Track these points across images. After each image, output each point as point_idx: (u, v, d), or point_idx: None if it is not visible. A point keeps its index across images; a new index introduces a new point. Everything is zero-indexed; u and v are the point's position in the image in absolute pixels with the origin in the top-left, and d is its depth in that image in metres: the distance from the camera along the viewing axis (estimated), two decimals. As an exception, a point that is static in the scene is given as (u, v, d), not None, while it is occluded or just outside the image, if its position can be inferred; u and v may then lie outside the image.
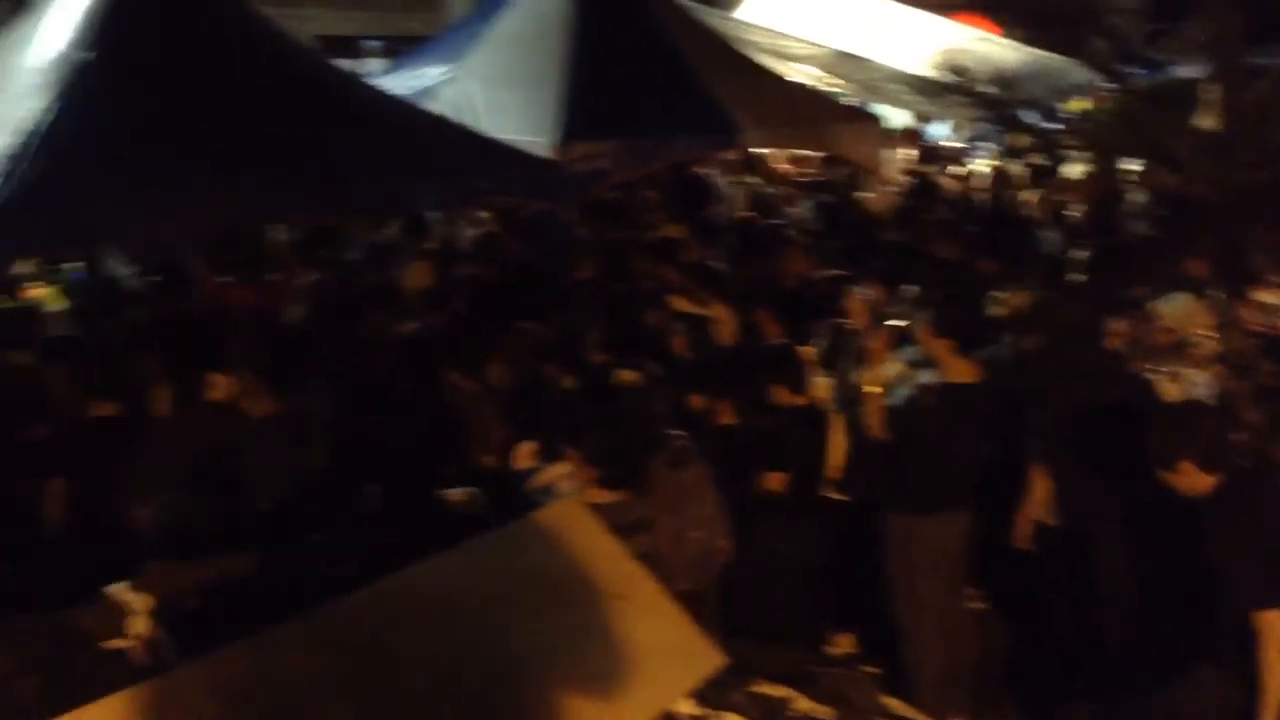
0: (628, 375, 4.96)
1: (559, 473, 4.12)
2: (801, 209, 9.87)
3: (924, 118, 13.72)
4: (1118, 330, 5.23)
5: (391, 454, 4.39)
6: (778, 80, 9.44)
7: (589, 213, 8.20)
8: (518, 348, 5.63)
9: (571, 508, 3.22)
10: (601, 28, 7.55)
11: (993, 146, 13.13)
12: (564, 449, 4.08)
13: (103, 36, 5.56)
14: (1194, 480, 3.70)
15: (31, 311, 6.64)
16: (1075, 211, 9.53)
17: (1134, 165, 10.02)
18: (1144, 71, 11.97)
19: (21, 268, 6.77)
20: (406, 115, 6.68)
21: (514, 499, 4.09)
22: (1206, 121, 8.02)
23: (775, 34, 11.57)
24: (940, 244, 7.38)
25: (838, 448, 5.15)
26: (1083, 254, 7.02)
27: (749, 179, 11.29)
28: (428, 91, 7.78)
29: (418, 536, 3.11)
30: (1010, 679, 4.94)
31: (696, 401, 4.90)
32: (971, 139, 13.85)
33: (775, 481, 4.78)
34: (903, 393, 4.82)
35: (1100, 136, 9.33)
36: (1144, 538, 4.46)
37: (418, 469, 4.28)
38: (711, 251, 7.45)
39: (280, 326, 6.50)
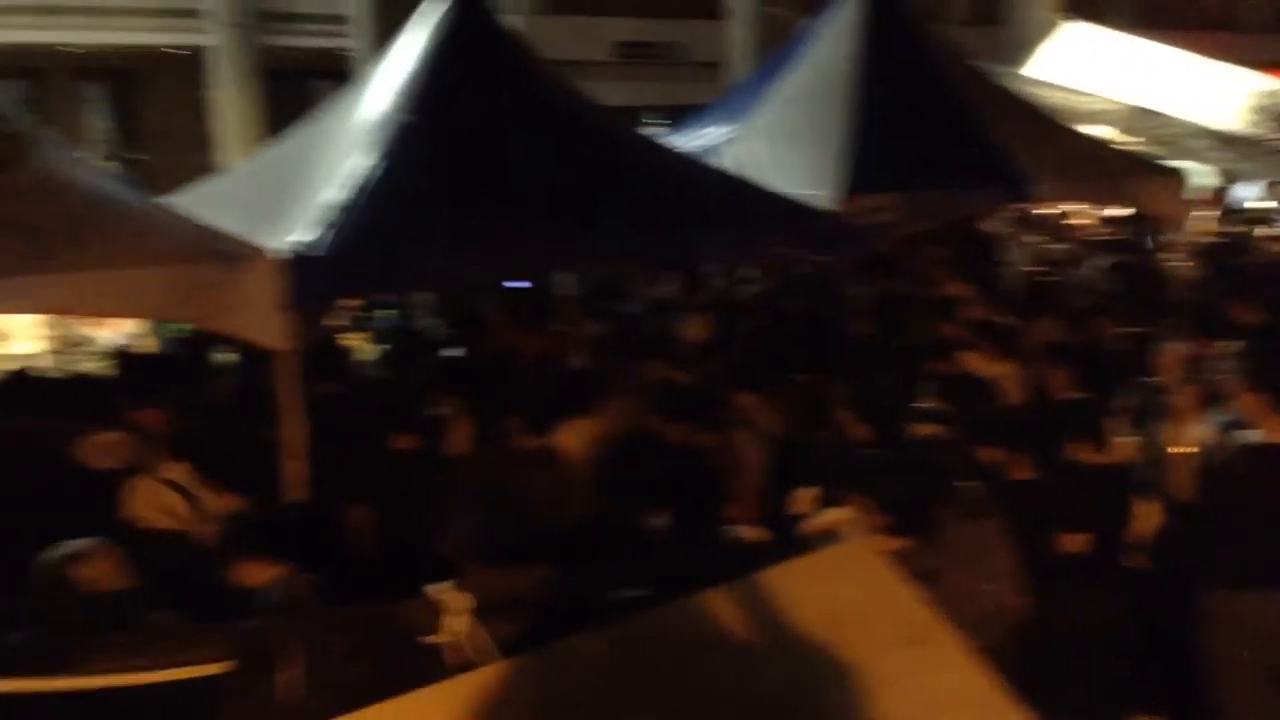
0: (920, 426, 4.83)
1: (838, 518, 4.03)
2: (1090, 267, 9.40)
3: (1230, 175, 12.80)
4: None
5: (676, 490, 4.44)
6: (1072, 133, 9.04)
7: (867, 268, 8.12)
8: (793, 398, 5.65)
9: (862, 548, 3.14)
10: (887, 81, 7.48)
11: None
12: (847, 495, 4.00)
13: (423, 101, 6.06)
14: None
15: (344, 351, 7.21)
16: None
17: None
18: None
19: (339, 317, 7.39)
20: (692, 170, 6.85)
21: (791, 542, 4.04)
22: None
23: (1067, 90, 11.14)
24: (1244, 306, 6.85)
25: (1144, 512, 4.79)
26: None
27: (1036, 236, 10.87)
28: (711, 150, 7.95)
29: (705, 566, 3.12)
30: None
31: (990, 455, 4.70)
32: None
33: (1075, 543, 4.49)
34: (1216, 454, 4.45)
35: None
36: None
37: (702, 505, 4.32)
38: (998, 308, 7.21)
39: (565, 373, 6.78)
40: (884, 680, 2.73)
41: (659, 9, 18.32)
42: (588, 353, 7.18)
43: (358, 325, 8.01)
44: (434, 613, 2.63)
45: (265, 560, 3.41)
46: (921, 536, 3.72)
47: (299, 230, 5.28)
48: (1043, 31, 14.03)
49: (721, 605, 2.67)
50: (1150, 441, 4.89)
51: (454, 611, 2.61)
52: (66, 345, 8.10)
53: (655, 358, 6.43)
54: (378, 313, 8.21)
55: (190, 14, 14.99)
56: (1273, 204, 12.72)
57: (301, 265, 5.06)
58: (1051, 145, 8.14)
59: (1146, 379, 5.27)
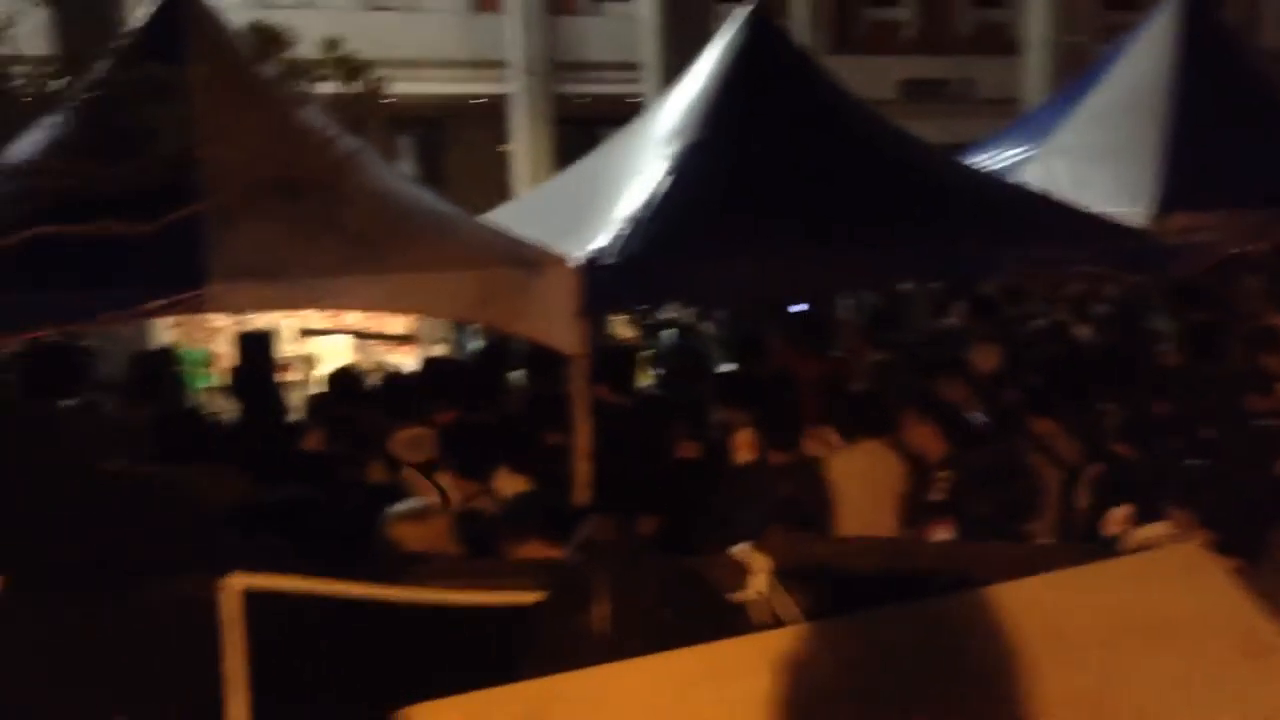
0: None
1: (1157, 533, 3.72)
2: None
3: None
4: None
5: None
6: None
7: (1172, 295, 7.56)
8: (1096, 425, 5.35)
9: (1196, 551, 2.86)
10: (1207, 94, 6.96)
11: None
12: (1167, 511, 3.69)
13: (716, 120, 6.19)
14: None
15: (631, 353, 7.36)
16: None
17: None
18: None
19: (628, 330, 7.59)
20: (989, 185, 6.61)
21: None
22: None
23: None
24: None
25: None
26: None
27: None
28: (1005, 170, 7.65)
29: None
30: None
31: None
32: None
33: None
34: None
35: None
36: None
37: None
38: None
39: (854, 394, 6.65)
40: (1218, 693, 2.47)
41: (949, 46, 17.96)
42: (871, 378, 7.03)
43: (643, 345, 8.18)
44: (739, 572, 2.66)
45: (546, 540, 3.46)
46: (1249, 557, 3.37)
47: (595, 240, 5.47)
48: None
49: (1037, 594, 2.50)
50: None
51: (756, 571, 2.62)
52: (371, 368, 8.72)
53: (953, 380, 6.22)
54: (662, 334, 8.36)
55: (497, 64, 15.94)
56: None
57: (594, 272, 5.23)
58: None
59: None
